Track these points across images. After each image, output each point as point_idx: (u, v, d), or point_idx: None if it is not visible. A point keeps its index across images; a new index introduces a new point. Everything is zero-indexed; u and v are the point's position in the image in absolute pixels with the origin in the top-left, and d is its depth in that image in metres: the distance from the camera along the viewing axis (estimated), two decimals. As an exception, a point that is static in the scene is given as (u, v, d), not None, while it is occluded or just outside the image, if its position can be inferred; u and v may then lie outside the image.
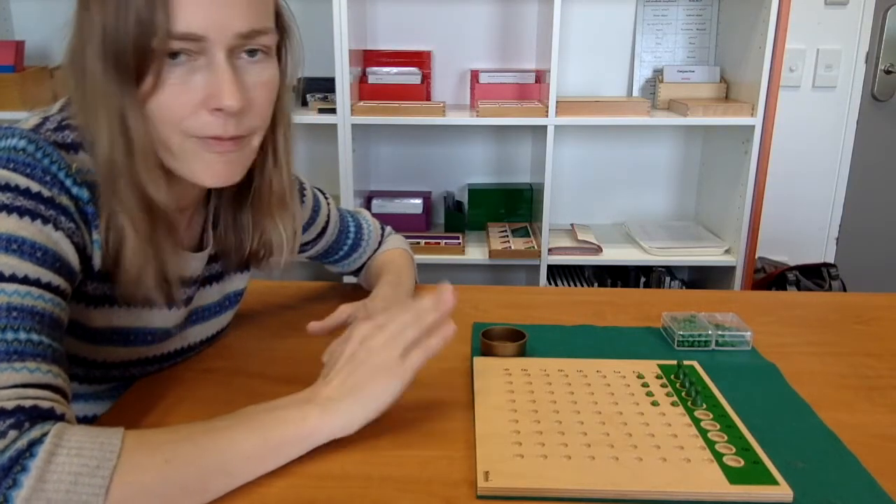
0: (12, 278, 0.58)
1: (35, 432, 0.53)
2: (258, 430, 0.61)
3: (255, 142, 0.71)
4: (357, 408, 0.65)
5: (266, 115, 0.71)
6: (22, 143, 0.63)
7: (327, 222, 1.01)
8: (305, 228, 0.98)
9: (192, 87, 0.64)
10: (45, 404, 0.55)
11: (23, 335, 0.57)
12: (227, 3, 0.63)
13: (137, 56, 0.61)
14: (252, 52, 0.67)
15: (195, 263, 0.80)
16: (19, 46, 2.01)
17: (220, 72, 0.64)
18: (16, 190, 0.61)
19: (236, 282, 0.89)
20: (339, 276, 1.13)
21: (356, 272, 1.09)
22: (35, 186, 0.62)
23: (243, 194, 0.80)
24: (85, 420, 0.81)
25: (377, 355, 0.67)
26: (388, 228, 1.13)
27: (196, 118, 0.65)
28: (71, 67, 0.65)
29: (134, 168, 0.65)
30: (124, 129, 0.64)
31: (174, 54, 0.63)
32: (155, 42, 0.61)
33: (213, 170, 0.69)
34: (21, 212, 0.61)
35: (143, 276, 0.69)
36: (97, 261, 0.68)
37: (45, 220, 0.62)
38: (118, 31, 0.61)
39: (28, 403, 0.54)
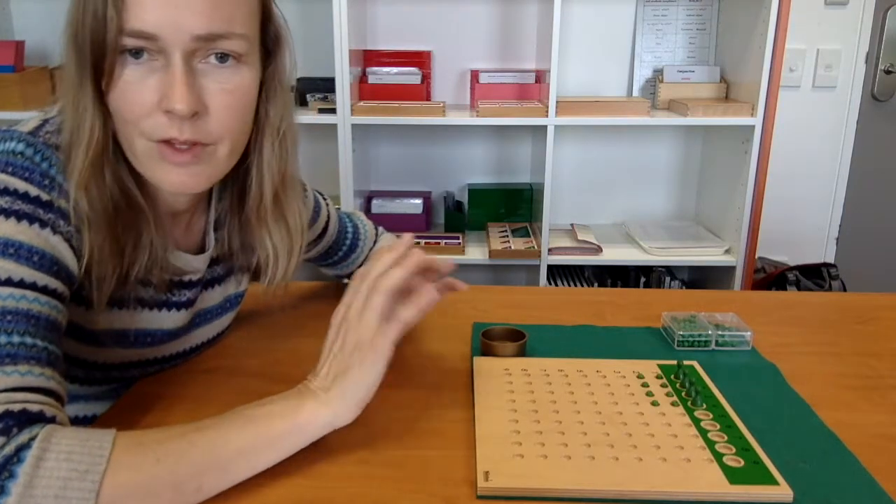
0: (7, 282, 0.58)
1: (23, 437, 0.52)
2: (250, 425, 0.61)
3: (222, 150, 0.68)
4: (348, 394, 0.64)
5: (232, 124, 0.68)
6: (20, 147, 0.63)
7: (327, 224, 1.01)
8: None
9: (148, 87, 0.63)
10: (35, 408, 0.55)
11: (16, 338, 0.57)
12: (183, 3, 0.62)
13: (95, 51, 0.62)
14: (222, 57, 0.65)
15: (195, 265, 0.80)
16: (19, 46, 2.01)
17: (173, 73, 0.63)
18: (14, 194, 0.61)
19: (236, 284, 0.89)
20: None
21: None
22: (33, 190, 0.62)
23: (245, 198, 0.79)
24: (85, 420, 0.81)
25: (352, 337, 0.66)
26: (381, 229, 1.12)
27: (152, 119, 0.64)
28: (60, 62, 0.67)
29: (85, 159, 0.65)
30: (81, 121, 0.64)
31: (135, 52, 0.63)
32: (108, 38, 0.61)
33: (171, 178, 0.67)
34: (19, 216, 0.61)
35: (100, 271, 0.67)
36: None
37: (43, 224, 0.62)
38: (82, 25, 0.62)
39: (17, 408, 0.54)
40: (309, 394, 0.65)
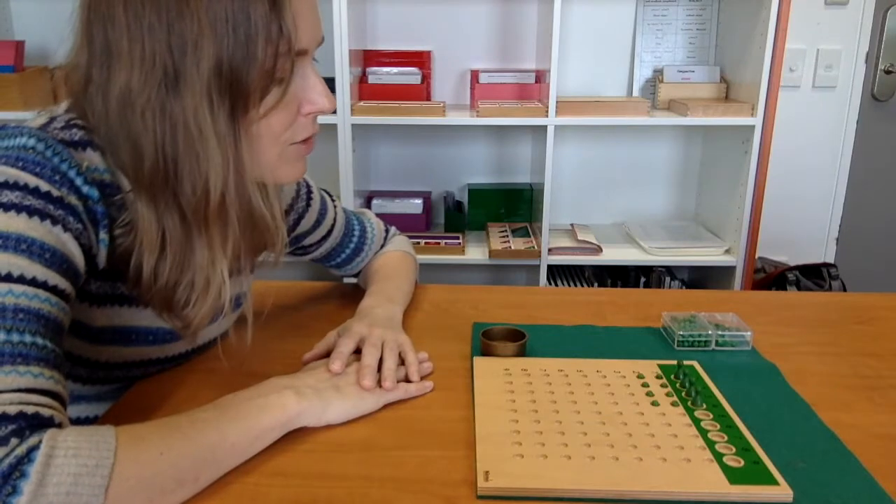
0: (21, 279, 0.58)
1: (33, 439, 0.52)
2: (242, 420, 0.64)
3: None
4: (335, 402, 0.71)
5: None
6: (31, 142, 0.63)
7: (333, 225, 1.01)
8: (311, 230, 0.98)
9: (294, 98, 0.68)
10: (46, 412, 0.55)
11: (28, 338, 0.57)
12: (317, 14, 0.69)
13: (262, 79, 0.63)
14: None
15: (232, 285, 0.80)
16: (19, 46, 2.01)
17: (316, 79, 0.70)
18: (25, 189, 0.61)
19: (239, 284, 0.89)
20: (340, 277, 1.13)
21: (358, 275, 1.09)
22: (45, 186, 0.62)
23: None
24: (87, 421, 0.81)
25: (352, 379, 0.75)
26: (393, 229, 1.12)
27: (296, 126, 0.70)
28: (153, 99, 0.62)
29: (244, 193, 0.67)
30: (237, 158, 0.65)
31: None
32: (279, 63, 0.63)
33: (299, 169, 0.74)
34: (31, 211, 0.60)
35: (213, 302, 0.70)
36: (102, 260, 0.68)
37: (55, 221, 0.62)
38: (241, 56, 0.61)
39: (31, 410, 0.54)
40: (297, 388, 0.70)
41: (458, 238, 2.14)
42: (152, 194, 0.65)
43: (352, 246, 1.04)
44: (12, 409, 0.53)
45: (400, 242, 1.11)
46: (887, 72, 2.31)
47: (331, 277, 1.19)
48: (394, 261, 1.07)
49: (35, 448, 0.52)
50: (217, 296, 0.69)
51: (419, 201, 2.22)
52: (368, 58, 2.19)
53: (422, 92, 2.09)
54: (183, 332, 0.73)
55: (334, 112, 1.90)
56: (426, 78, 2.18)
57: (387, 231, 1.10)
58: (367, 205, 2.21)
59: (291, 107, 0.68)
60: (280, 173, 0.73)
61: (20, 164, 0.61)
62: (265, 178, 0.72)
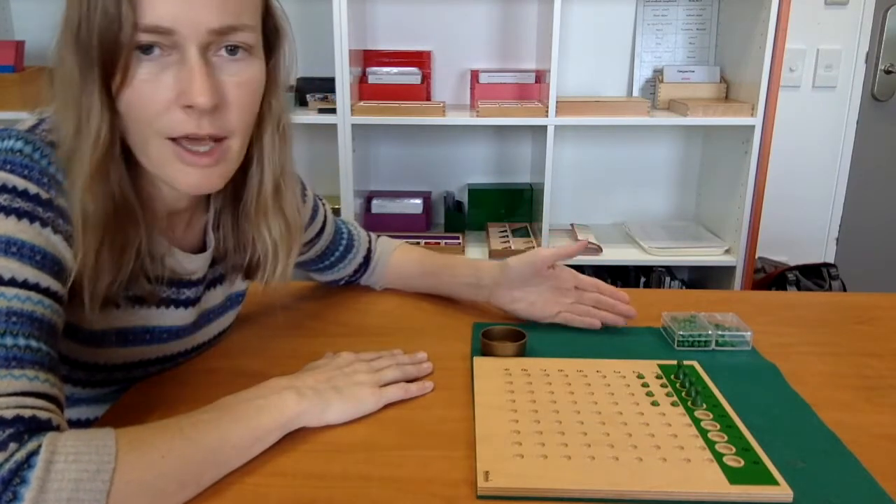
0: (12, 282, 0.58)
1: (33, 444, 0.52)
2: (243, 421, 0.64)
3: (235, 146, 0.69)
4: (335, 402, 0.71)
5: (246, 117, 0.69)
6: (19, 145, 0.63)
7: (324, 223, 1.01)
8: (307, 227, 0.98)
9: (163, 84, 0.63)
10: (44, 415, 0.55)
11: (22, 341, 0.57)
12: (199, 1, 0.62)
13: (105, 49, 0.61)
14: (232, 50, 0.65)
15: (196, 264, 0.80)
16: (19, 46, 2.01)
17: (192, 68, 0.62)
18: (13, 191, 0.61)
19: (238, 283, 0.89)
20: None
21: (353, 275, 1.08)
22: (33, 188, 0.62)
23: (240, 197, 0.79)
24: (87, 424, 0.81)
25: (359, 376, 0.76)
26: (374, 235, 1.11)
27: (168, 116, 0.64)
28: (52, 61, 0.65)
29: (91, 162, 0.64)
30: (87, 123, 0.63)
31: (146, 48, 0.62)
32: (122, 35, 0.60)
33: (189, 179, 0.67)
34: (19, 214, 0.60)
35: (93, 273, 0.66)
36: None
37: (44, 223, 0.61)
38: (88, 24, 0.61)
39: (28, 413, 0.54)
40: (297, 388, 0.70)
41: (458, 238, 2.14)
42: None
43: (343, 244, 1.04)
44: (9, 414, 0.53)
45: (393, 241, 1.11)
46: (887, 72, 2.31)
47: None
48: (418, 249, 1.10)
49: (35, 453, 0.51)
50: (90, 260, 0.66)
51: (419, 201, 2.22)
52: (368, 58, 2.19)
53: (422, 92, 2.09)
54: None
55: (333, 109, 1.92)
56: (426, 78, 2.18)
57: (369, 237, 1.09)
58: (367, 205, 2.21)
59: (156, 91, 0.63)
60: (168, 175, 0.68)
61: (8, 166, 0.61)
62: (162, 178, 0.69)
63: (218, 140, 0.67)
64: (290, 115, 0.78)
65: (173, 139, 0.65)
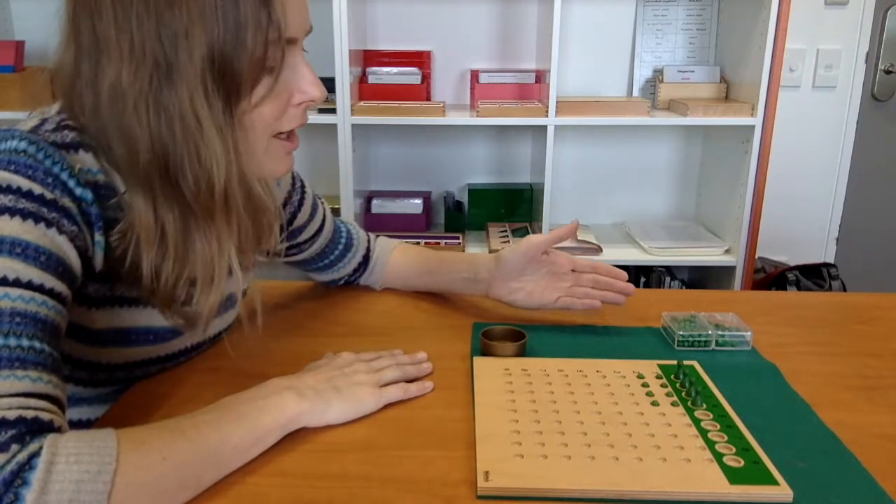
0: (17, 283, 0.58)
1: (34, 445, 0.52)
2: (244, 422, 0.64)
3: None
4: (335, 402, 0.71)
5: None
6: (23, 145, 0.62)
7: (324, 220, 1.01)
8: (307, 224, 0.98)
9: (285, 88, 0.68)
10: (46, 417, 0.55)
11: (25, 342, 0.57)
12: (305, 4, 0.68)
13: (253, 68, 0.63)
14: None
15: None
16: (19, 46, 2.01)
17: (306, 68, 0.69)
18: (18, 192, 0.60)
19: (238, 282, 0.89)
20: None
21: (352, 275, 1.09)
22: (37, 188, 0.61)
23: None
24: (89, 424, 0.81)
25: (359, 376, 0.76)
26: (372, 234, 1.12)
27: (286, 116, 0.70)
28: (145, 93, 0.62)
29: (246, 182, 0.67)
30: (235, 147, 0.65)
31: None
32: (270, 52, 0.63)
33: (287, 164, 0.74)
34: (24, 214, 0.60)
35: (217, 297, 0.70)
36: (98, 262, 0.68)
37: (49, 224, 0.61)
38: (231, 44, 0.61)
39: (30, 415, 0.54)
40: (297, 388, 0.70)
41: (458, 238, 2.14)
42: (149, 189, 0.65)
43: (342, 243, 1.04)
44: (11, 414, 0.53)
45: (391, 241, 1.11)
46: (887, 72, 2.31)
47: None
48: (416, 248, 1.11)
49: (36, 454, 0.51)
50: (222, 287, 0.69)
51: (419, 201, 2.22)
52: (368, 58, 2.19)
53: (422, 92, 2.09)
54: (186, 329, 0.73)
55: (333, 109, 1.92)
56: (426, 78, 2.18)
57: (368, 236, 1.10)
58: (367, 205, 2.21)
59: (282, 96, 0.68)
60: (266, 168, 0.72)
61: (12, 167, 0.61)
62: (259, 172, 0.72)
63: None
64: None
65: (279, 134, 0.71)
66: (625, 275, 0.94)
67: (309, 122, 2.03)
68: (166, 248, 0.66)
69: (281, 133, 0.71)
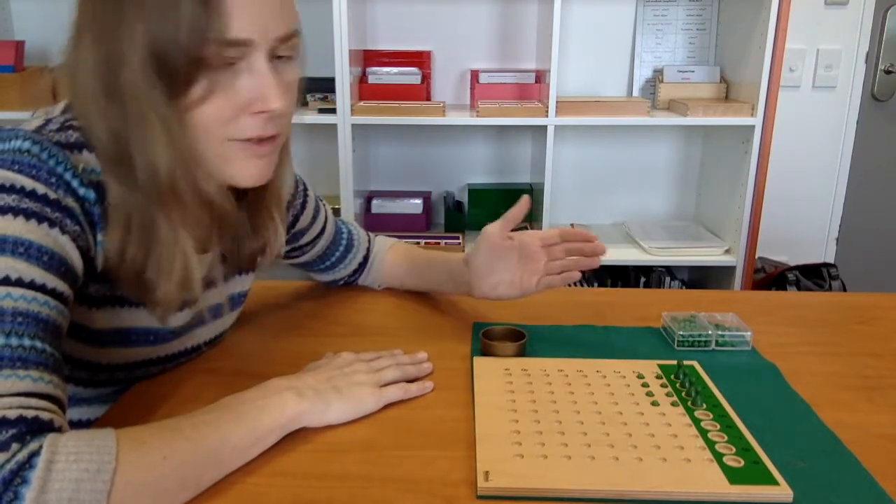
0: (19, 282, 0.58)
1: (34, 444, 0.52)
2: (244, 422, 0.64)
3: (282, 142, 0.73)
4: (335, 403, 0.71)
5: (292, 115, 0.72)
6: (27, 145, 0.62)
7: (325, 222, 1.01)
8: (309, 227, 0.98)
9: (237, 92, 0.65)
10: (46, 416, 0.55)
11: (27, 342, 0.57)
12: (271, 7, 0.64)
13: (189, 65, 0.62)
14: (283, 56, 0.68)
15: (201, 265, 0.80)
16: (19, 46, 2.01)
17: (265, 75, 0.65)
18: (21, 192, 0.60)
19: (240, 284, 0.89)
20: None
21: (352, 275, 1.09)
22: (41, 188, 0.62)
23: (240, 194, 0.79)
24: (89, 424, 0.81)
25: (359, 376, 0.76)
26: (372, 234, 1.12)
27: (237, 122, 0.66)
28: (103, 79, 0.63)
29: (195, 178, 0.67)
30: (173, 138, 0.64)
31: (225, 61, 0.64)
32: (207, 50, 0.61)
33: (250, 171, 0.70)
34: (27, 214, 0.60)
35: (174, 285, 0.69)
36: (100, 262, 0.68)
37: (52, 224, 0.61)
38: (168, 41, 0.61)
39: (31, 414, 0.54)
40: (297, 388, 0.70)
41: (458, 238, 2.14)
42: (113, 173, 0.66)
43: (343, 244, 1.04)
44: (12, 414, 0.53)
45: (388, 240, 1.11)
46: (887, 72, 2.31)
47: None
48: (407, 248, 1.10)
49: (36, 453, 0.51)
50: (183, 276, 0.68)
51: (419, 201, 2.22)
52: (368, 58, 2.19)
53: (422, 92, 2.09)
54: (155, 314, 0.73)
55: (333, 109, 1.92)
56: (426, 78, 2.18)
57: (369, 236, 1.10)
58: (367, 205, 2.21)
59: (232, 101, 0.65)
60: (228, 173, 0.69)
61: (16, 167, 0.61)
62: (216, 175, 0.70)
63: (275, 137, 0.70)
64: None
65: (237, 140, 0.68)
66: (593, 235, 0.89)
67: (309, 122, 2.04)
68: (131, 232, 0.67)
69: (239, 139, 0.67)
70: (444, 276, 1.00)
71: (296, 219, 0.95)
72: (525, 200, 0.89)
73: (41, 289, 0.59)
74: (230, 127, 0.66)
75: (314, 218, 0.98)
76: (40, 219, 0.61)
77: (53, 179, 0.63)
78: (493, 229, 0.90)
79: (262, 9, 0.63)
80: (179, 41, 0.60)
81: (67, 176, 0.63)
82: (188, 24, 0.60)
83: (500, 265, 0.91)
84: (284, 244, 0.87)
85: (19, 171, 0.61)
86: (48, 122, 0.67)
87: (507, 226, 0.90)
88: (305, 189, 0.97)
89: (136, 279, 0.68)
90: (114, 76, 0.63)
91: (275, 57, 0.66)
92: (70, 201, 0.63)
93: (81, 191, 0.65)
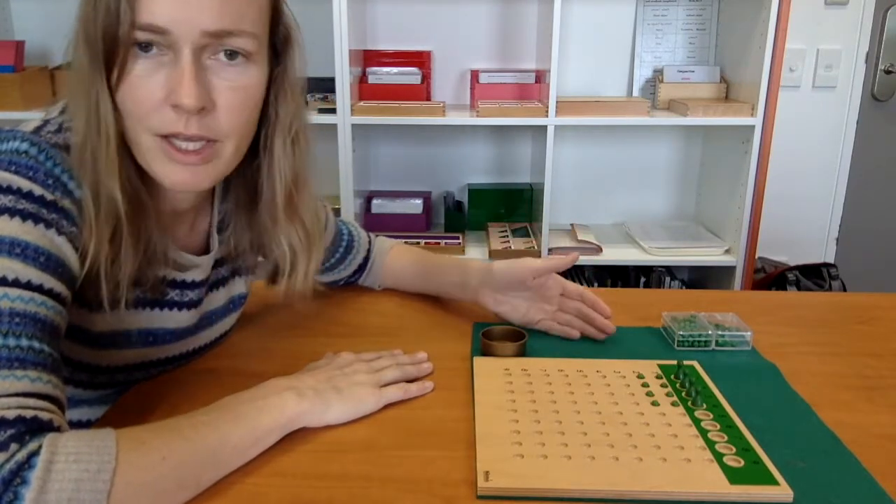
0: (16, 283, 0.58)
1: (33, 444, 0.52)
2: (243, 422, 0.64)
3: (229, 149, 0.69)
4: (335, 403, 0.71)
5: (239, 121, 0.68)
6: (24, 146, 0.63)
7: (325, 222, 1.00)
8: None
9: (156, 81, 0.63)
10: (45, 416, 0.55)
11: (24, 342, 0.57)
12: (199, 2, 0.62)
13: (107, 45, 0.62)
14: (231, 55, 0.65)
15: (200, 266, 0.80)
16: (19, 46, 2.01)
17: (182, 68, 0.63)
18: (18, 193, 0.60)
19: (241, 285, 0.89)
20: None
21: (352, 276, 1.08)
22: (38, 189, 0.62)
23: (255, 200, 0.79)
24: (88, 425, 0.81)
25: (359, 376, 0.76)
26: (372, 234, 1.12)
27: (159, 114, 0.64)
28: (67, 56, 0.66)
29: (99, 154, 0.65)
30: (97, 115, 0.64)
31: (144, 46, 0.63)
32: (121, 32, 0.62)
33: (175, 175, 0.67)
34: (24, 215, 0.60)
35: (112, 269, 0.67)
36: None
37: (48, 225, 0.61)
38: (93, 21, 0.62)
39: (29, 414, 0.54)
40: (297, 388, 0.70)
41: (458, 238, 2.14)
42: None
43: (344, 245, 1.04)
44: (11, 414, 0.53)
45: (388, 241, 1.11)
46: (887, 72, 2.31)
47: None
48: (412, 250, 1.10)
49: (35, 453, 0.51)
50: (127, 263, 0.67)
51: (419, 201, 2.22)
52: (368, 58, 2.19)
53: (422, 92, 2.09)
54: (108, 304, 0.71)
55: (333, 109, 1.92)
56: (426, 78, 2.18)
57: (369, 237, 1.10)
58: (367, 205, 2.21)
59: (147, 89, 0.64)
60: (155, 171, 0.68)
61: (13, 168, 0.61)
62: (151, 173, 0.69)
63: (210, 141, 0.67)
64: (305, 121, 0.78)
65: (163, 136, 0.66)
66: (608, 310, 0.92)
67: (309, 122, 2.02)
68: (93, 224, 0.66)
69: (162, 134, 0.65)
70: (456, 278, 1.00)
71: None
72: (574, 256, 0.96)
73: (38, 289, 0.59)
74: (151, 118, 0.64)
75: None
76: (37, 220, 0.61)
77: (50, 181, 0.62)
78: (532, 265, 0.93)
79: (188, 0, 0.62)
80: (99, 19, 0.62)
81: (64, 177, 0.64)
82: (105, 6, 0.61)
83: (516, 290, 0.95)
84: (310, 283, 0.83)
85: (16, 173, 0.61)
86: (46, 123, 0.67)
87: (547, 270, 0.94)
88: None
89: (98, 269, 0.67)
90: (75, 52, 0.65)
91: (213, 55, 0.65)
92: (66, 203, 0.63)
93: (77, 192, 0.64)
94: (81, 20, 0.64)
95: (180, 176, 0.67)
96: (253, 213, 0.80)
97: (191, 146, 0.66)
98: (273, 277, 0.87)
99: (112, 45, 0.62)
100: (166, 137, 0.66)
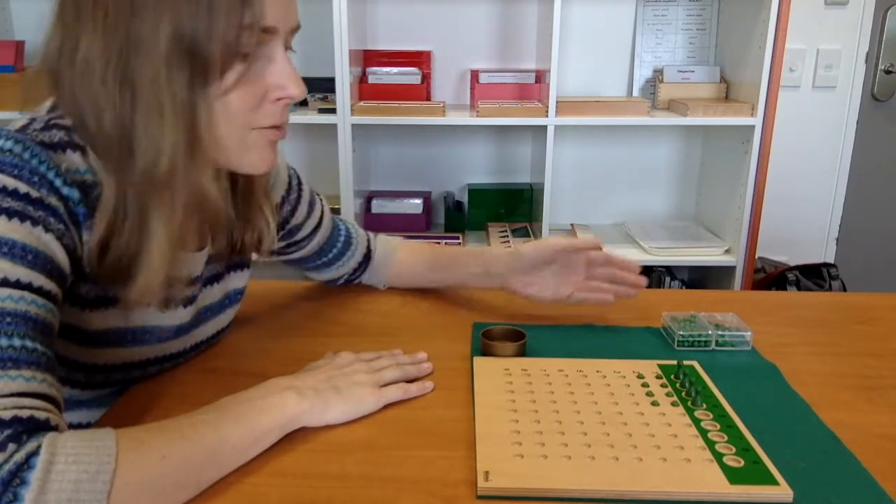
0: (4, 282, 0.57)
1: (32, 444, 0.52)
2: (243, 422, 0.64)
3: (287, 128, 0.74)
4: (335, 403, 0.71)
5: None
6: (9, 144, 0.62)
7: (321, 217, 1.00)
8: (304, 222, 0.98)
9: (260, 80, 0.67)
10: (42, 415, 0.55)
11: (17, 342, 0.56)
12: (292, 1, 0.68)
13: (224, 53, 0.62)
14: (291, 47, 0.70)
15: (196, 262, 0.80)
16: (19, 46, 2.01)
17: (285, 63, 0.67)
18: (3, 191, 0.60)
19: (236, 280, 0.89)
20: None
21: (352, 274, 1.08)
22: (23, 187, 0.61)
23: (232, 188, 0.80)
24: (87, 427, 0.80)
25: (359, 376, 0.76)
26: (371, 233, 1.12)
27: (262, 110, 0.68)
28: (114, 66, 0.62)
29: (195, 170, 0.66)
30: (192, 131, 0.64)
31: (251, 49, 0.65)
32: (243, 37, 0.63)
33: (265, 158, 0.72)
34: (9, 213, 0.59)
35: (156, 279, 0.67)
36: (87, 262, 0.67)
37: (35, 222, 0.61)
38: (203, 29, 0.61)
39: (25, 414, 0.53)
40: (297, 388, 0.70)
41: (458, 238, 2.14)
42: (112, 162, 0.65)
43: (341, 240, 1.04)
44: (6, 414, 0.52)
45: (392, 239, 1.11)
46: (887, 72, 2.31)
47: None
48: (424, 245, 1.11)
49: (34, 454, 0.51)
50: (164, 271, 0.67)
51: (419, 201, 2.22)
52: (368, 58, 2.19)
53: (422, 92, 2.09)
54: (127, 308, 0.72)
55: (333, 109, 1.92)
56: (426, 78, 2.18)
57: (368, 235, 1.09)
58: (367, 205, 2.21)
59: (256, 89, 0.66)
60: (246, 160, 0.71)
61: None
62: (230, 164, 0.71)
63: None
64: None
65: (265, 127, 0.70)
66: (637, 266, 0.96)
67: (309, 122, 2.03)
68: (121, 225, 0.66)
69: (261, 127, 0.70)
70: (478, 268, 1.01)
71: (290, 214, 0.95)
72: (598, 242, 0.97)
73: (27, 287, 0.59)
74: (254, 115, 0.68)
75: (309, 213, 0.98)
76: (23, 217, 0.60)
77: (36, 178, 0.62)
78: (557, 244, 0.96)
79: (289, 0, 0.67)
80: (215, 29, 0.61)
81: (50, 175, 0.63)
82: (225, 8, 0.61)
83: (545, 268, 0.97)
84: (276, 237, 0.87)
85: (1, 171, 0.60)
86: (32, 121, 0.67)
87: (573, 248, 0.96)
88: (300, 184, 0.96)
89: (114, 272, 0.67)
90: (127, 63, 0.62)
91: (287, 46, 0.69)
92: (53, 200, 0.63)
93: (65, 190, 0.64)
94: (169, 36, 0.61)
95: (270, 156, 0.72)
96: (243, 201, 0.81)
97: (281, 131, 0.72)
98: (243, 262, 0.90)
99: (230, 51, 0.63)
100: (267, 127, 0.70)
